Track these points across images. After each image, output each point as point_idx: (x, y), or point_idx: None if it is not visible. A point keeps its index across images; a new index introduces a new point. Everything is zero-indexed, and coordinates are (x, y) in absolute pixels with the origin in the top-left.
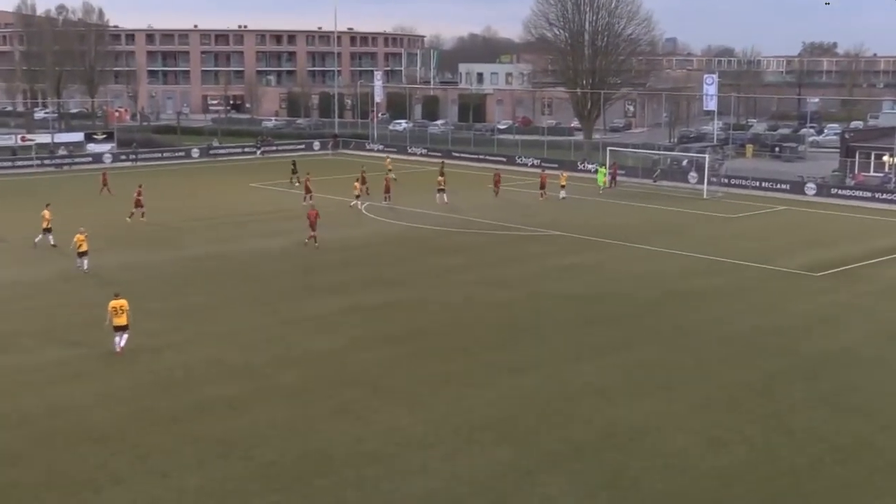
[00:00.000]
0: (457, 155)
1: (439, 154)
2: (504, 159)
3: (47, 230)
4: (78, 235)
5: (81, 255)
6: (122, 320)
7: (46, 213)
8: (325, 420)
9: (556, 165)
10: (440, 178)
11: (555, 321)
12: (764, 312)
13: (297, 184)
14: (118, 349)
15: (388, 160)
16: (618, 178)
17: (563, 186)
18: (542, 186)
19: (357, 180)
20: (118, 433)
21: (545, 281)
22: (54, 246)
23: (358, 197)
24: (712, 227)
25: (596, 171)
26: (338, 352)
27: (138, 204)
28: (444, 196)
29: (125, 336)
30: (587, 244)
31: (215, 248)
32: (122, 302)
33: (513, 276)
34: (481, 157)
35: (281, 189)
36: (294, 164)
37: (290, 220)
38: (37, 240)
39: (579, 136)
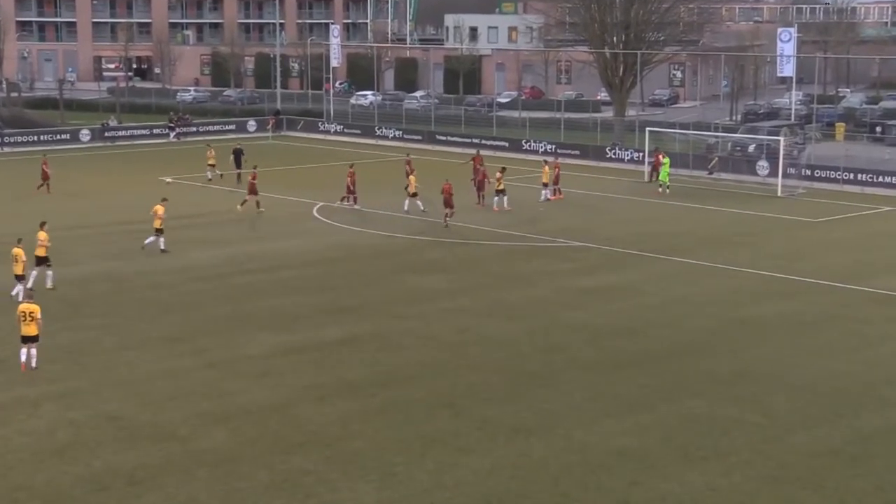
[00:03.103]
0: (442, 139)
1: (419, 137)
2: (506, 144)
3: (159, 231)
4: (16, 249)
5: (20, 277)
6: (30, 329)
7: (160, 209)
8: (263, 498)
9: (577, 152)
10: (498, 174)
11: (573, 363)
12: (857, 351)
13: (239, 180)
14: (24, 366)
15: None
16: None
17: (545, 185)
18: (556, 181)
19: (408, 174)
20: None
21: (560, 309)
22: (164, 251)
23: (415, 195)
24: (788, 236)
25: (660, 163)
26: (282, 405)
27: (252, 190)
28: (504, 200)
29: (34, 350)
30: (617, 259)
31: (114, 264)
32: (34, 307)
33: (517, 303)
34: (475, 140)
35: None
36: (238, 153)
37: (218, 227)
38: (147, 242)
39: (608, 113)
